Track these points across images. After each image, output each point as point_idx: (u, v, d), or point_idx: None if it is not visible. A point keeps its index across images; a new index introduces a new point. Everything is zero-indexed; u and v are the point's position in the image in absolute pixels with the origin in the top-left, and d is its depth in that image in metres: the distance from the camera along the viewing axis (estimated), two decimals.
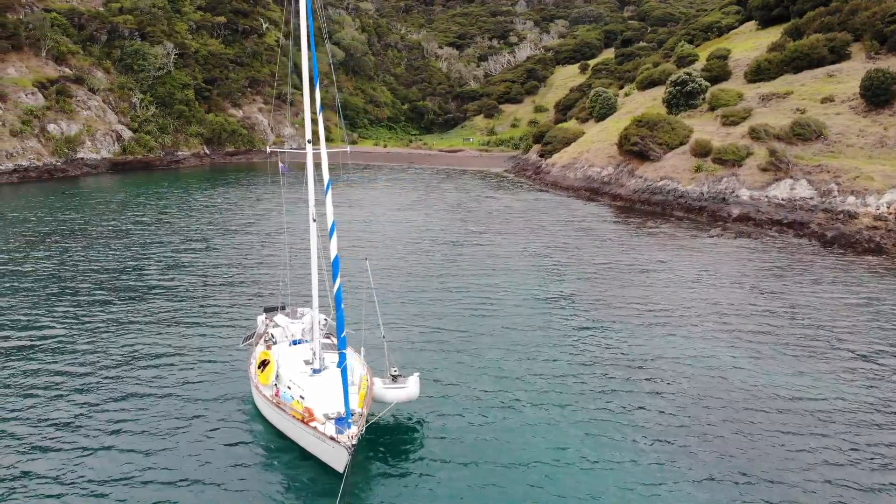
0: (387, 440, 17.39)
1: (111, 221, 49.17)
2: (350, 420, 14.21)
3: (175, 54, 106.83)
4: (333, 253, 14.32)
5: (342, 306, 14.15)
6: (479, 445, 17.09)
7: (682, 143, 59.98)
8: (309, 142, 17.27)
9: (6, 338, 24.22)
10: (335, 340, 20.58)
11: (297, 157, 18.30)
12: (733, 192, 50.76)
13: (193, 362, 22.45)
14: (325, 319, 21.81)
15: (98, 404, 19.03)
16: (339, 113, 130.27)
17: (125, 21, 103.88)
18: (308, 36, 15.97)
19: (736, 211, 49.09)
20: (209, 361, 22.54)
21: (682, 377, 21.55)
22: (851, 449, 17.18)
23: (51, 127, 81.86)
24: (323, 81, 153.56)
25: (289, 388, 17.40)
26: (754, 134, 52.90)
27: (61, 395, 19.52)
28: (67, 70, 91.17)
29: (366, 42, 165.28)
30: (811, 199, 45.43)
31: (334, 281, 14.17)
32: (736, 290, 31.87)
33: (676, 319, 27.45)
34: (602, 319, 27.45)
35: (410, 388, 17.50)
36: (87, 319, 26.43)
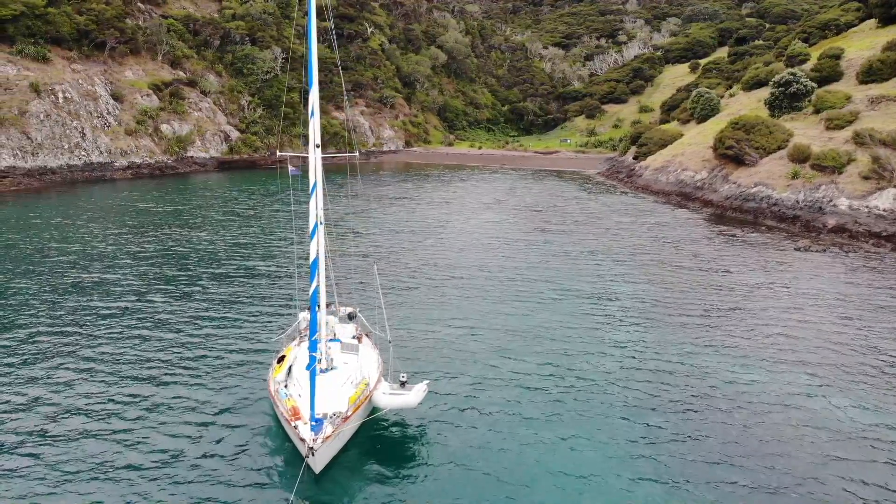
0: (385, 444, 17.36)
1: (209, 214, 52.29)
2: (313, 423, 14.26)
3: (282, 58, 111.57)
4: (313, 255, 14.43)
5: (317, 309, 14.25)
6: (477, 460, 16.70)
7: (779, 148, 56.33)
8: (317, 146, 17.53)
9: (95, 304, 26.36)
10: (359, 342, 20.85)
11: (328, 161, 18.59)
12: (831, 200, 47.06)
13: (237, 345, 23.73)
14: (355, 316, 22.08)
15: (127, 375, 20.30)
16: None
17: (237, 27, 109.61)
18: (311, 41, 16.17)
19: (832, 221, 45.49)
20: (251, 349, 23.67)
21: (737, 407, 19.96)
22: None
23: (164, 127, 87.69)
24: (424, 84, 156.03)
25: (294, 385, 17.74)
26: (858, 139, 48.84)
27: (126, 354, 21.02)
28: (181, 73, 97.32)
29: (469, 44, 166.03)
30: None
31: (311, 282, 14.29)
32: (816, 307, 29.49)
33: (741, 339, 25.66)
34: (657, 333, 26.13)
35: (409, 396, 17.26)
36: (167, 296, 28.32)
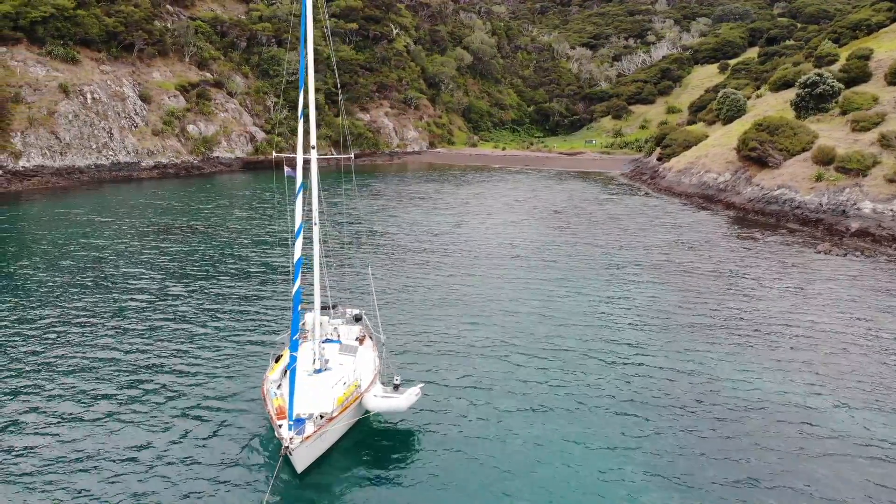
0: (375, 444, 17.37)
1: (232, 212, 53.06)
2: (291, 423, 14.32)
3: None
4: (297, 254, 14.50)
5: (298, 308, 14.31)
6: (471, 460, 16.64)
7: (804, 150, 55.27)
8: (313, 147, 17.64)
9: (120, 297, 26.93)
10: (360, 344, 20.88)
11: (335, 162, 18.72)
12: (854, 203, 46.05)
13: (244, 341, 24.04)
14: (361, 318, 22.12)
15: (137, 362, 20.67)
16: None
17: (263, 28, 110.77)
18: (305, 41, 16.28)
19: (855, 225, 44.49)
20: (257, 345, 23.98)
21: (741, 409, 19.62)
22: None
23: (190, 127, 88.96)
24: (449, 85, 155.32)
25: (287, 385, 17.85)
26: (884, 141, 47.74)
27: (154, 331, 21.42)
28: (208, 74, 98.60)
29: (494, 45, 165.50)
30: None
31: (294, 282, 14.35)
32: (831, 312, 28.85)
33: (751, 341, 25.22)
34: (667, 333, 25.78)
35: (399, 400, 17.21)
36: (185, 290, 28.92)
